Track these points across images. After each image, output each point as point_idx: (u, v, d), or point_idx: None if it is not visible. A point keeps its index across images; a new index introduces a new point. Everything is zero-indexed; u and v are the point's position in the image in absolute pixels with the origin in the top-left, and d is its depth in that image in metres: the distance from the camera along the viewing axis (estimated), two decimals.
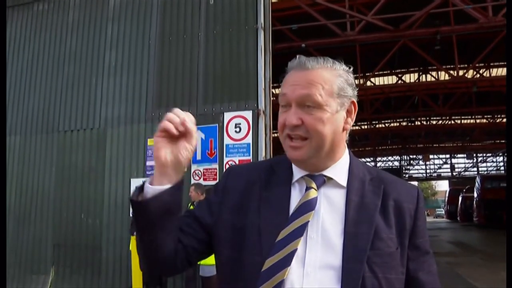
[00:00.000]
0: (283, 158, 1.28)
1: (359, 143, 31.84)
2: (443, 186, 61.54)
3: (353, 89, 1.22)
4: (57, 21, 8.74)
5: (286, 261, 1.09)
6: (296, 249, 1.10)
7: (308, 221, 1.13)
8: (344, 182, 1.21)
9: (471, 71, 16.42)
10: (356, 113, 1.25)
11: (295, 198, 1.19)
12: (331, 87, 1.16)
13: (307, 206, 1.15)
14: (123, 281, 7.19)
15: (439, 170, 47.40)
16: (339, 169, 1.23)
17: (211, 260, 5.63)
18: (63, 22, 8.68)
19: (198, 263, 6.19)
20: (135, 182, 7.50)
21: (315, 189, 1.18)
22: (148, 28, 7.99)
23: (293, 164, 1.25)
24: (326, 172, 1.21)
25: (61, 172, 8.10)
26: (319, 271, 1.09)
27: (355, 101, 1.23)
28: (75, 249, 7.74)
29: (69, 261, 7.77)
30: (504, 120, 24.16)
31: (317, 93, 1.13)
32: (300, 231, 1.12)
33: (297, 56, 1.22)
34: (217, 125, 7.11)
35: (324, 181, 1.20)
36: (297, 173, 1.23)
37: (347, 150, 1.26)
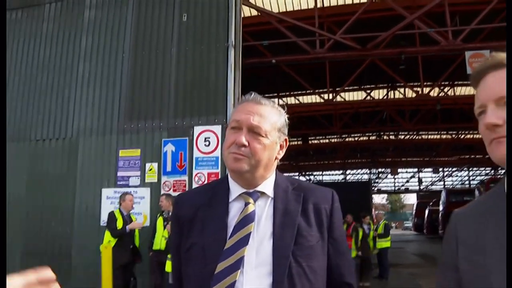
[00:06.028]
0: (222, 180, 1.57)
1: (329, 156, 32.29)
2: (411, 199, 62.54)
3: (287, 129, 1.56)
4: (30, 30, 8.84)
5: (236, 265, 1.34)
6: (243, 256, 1.35)
7: (251, 232, 1.40)
8: (271, 193, 1.49)
9: (436, 89, 17.00)
10: (286, 148, 1.55)
11: (234, 213, 1.44)
12: (275, 123, 1.48)
13: (248, 219, 1.41)
14: None
15: (407, 184, 48.22)
16: (268, 183, 1.50)
17: None
18: (37, 32, 8.79)
19: (167, 270, 6.37)
20: (106, 192, 7.65)
21: (252, 204, 1.44)
22: (122, 41, 8.18)
23: (231, 184, 1.51)
24: (259, 188, 1.48)
25: (32, 181, 8.16)
26: (255, 268, 1.36)
27: (287, 139, 1.55)
28: (45, 257, 7.76)
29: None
30: (468, 136, 24.98)
31: (266, 125, 1.44)
32: (245, 241, 1.37)
33: (252, 93, 1.51)
34: (187, 138, 7.33)
35: (258, 196, 1.47)
36: (235, 191, 1.48)
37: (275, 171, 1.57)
